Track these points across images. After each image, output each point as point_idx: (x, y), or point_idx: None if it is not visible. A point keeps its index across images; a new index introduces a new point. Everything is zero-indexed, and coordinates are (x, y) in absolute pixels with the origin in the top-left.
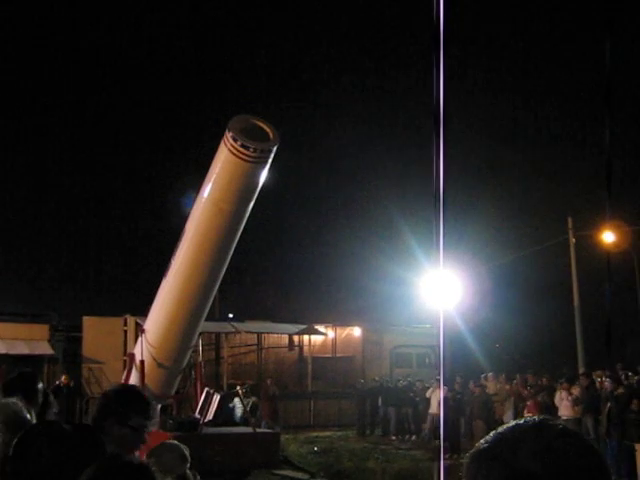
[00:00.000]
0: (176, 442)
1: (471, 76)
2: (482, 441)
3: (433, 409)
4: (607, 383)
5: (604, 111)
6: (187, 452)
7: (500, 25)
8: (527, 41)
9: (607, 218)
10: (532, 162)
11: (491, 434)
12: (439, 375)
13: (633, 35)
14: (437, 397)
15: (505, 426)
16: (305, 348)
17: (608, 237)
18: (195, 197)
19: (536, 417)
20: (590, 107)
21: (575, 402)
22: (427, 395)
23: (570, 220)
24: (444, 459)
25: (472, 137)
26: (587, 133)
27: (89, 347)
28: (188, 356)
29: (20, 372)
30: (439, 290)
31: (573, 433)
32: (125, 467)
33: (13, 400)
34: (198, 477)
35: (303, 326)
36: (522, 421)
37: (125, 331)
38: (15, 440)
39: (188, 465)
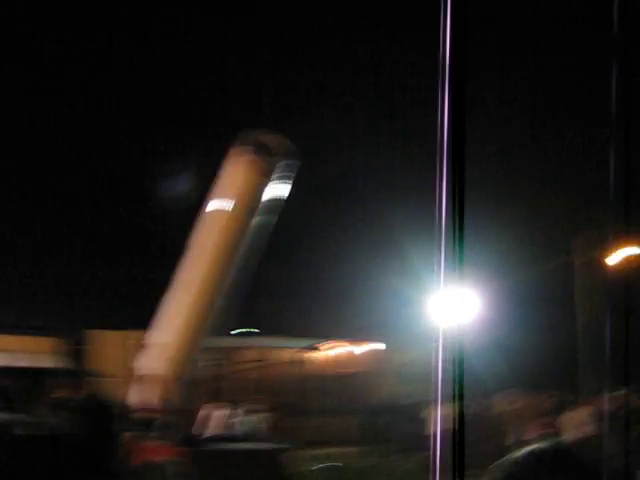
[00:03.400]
0: (181, 460)
1: (483, 91)
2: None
3: (436, 427)
4: (623, 400)
5: (620, 125)
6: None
7: (510, 44)
8: (540, 55)
9: (627, 233)
10: (547, 179)
11: (510, 461)
12: (436, 393)
13: None
14: (440, 415)
15: (522, 454)
16: (312, 363)
17: (626, 252)
18: (204, 210)
19: (548, 443)
20: (606, 120)
21: (583, 422)
22: (426, 414)
23: (583, 235)
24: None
25: (486, 154)
26: (600, 149)
27: (94, 361)
28: (194, 370)
29: None
30: (449, 306)
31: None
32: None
33: None
34: None
35: (312, 341)
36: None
37: (131, 345)
38: None
39: None
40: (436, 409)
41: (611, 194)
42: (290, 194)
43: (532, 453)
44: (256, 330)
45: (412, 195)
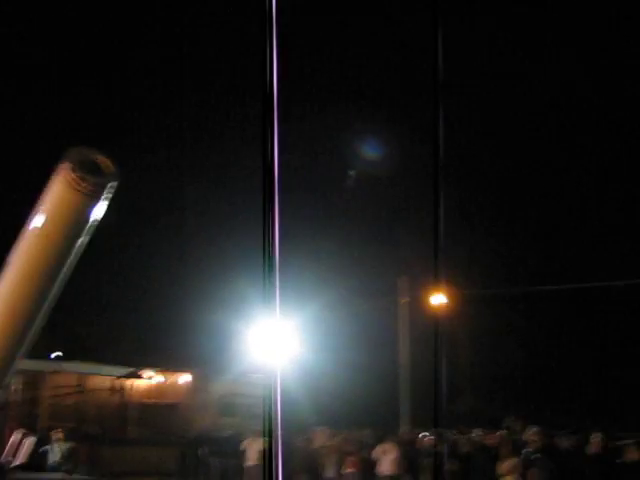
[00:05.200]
0: None
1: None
2: None
3: (251, 461)
4: (427, 440)
5: (434, 181)
6: None
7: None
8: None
9: (437, 280)
10: (368, 224)
11: None
12: (259, 426)
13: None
14: (254, 448)
15: None
16: (130, 392)
17: (438, 299)
18: (24, 228)
19: None
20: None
21: (395, 459)
22: (242, 447)
23: (402, 280)
24: None
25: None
26: (420, 194)
27: None
28: (2, 395)
29: None
30: (273, 340)
31: None
32: None
33: None
34: None
35: (129, 369)
36: None
37: None
38: None
39: None
40: (255, 441)
41: (435, 237)
42: (112, 216)
43: None
44: (68, 354)
45: (237, 228)
